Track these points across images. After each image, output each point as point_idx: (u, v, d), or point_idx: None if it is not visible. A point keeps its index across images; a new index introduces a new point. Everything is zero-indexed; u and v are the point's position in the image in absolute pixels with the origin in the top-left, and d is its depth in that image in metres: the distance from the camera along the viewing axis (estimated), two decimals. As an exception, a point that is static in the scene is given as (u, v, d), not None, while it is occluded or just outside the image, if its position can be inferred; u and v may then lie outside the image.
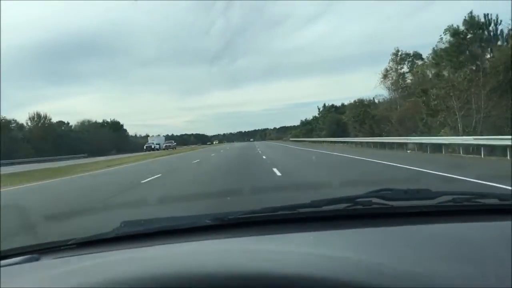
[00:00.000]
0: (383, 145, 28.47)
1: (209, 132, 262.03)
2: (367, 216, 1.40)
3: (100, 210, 6.64)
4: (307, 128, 78.00)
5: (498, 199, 1.45)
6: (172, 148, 70.18)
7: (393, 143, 26.28)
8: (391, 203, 1.40)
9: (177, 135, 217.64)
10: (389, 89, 45.19)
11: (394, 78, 44.26)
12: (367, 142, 32.62)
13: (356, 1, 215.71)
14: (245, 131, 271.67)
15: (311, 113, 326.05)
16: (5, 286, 0.93)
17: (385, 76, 44.67)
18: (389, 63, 43.62)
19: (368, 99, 53.95)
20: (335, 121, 48.00)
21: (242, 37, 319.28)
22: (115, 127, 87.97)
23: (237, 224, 1.36)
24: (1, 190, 11.72)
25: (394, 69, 44.46)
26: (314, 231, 1.26)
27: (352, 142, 36.64)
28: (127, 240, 1.29)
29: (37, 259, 1.19)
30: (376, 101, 46.31)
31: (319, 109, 69.78)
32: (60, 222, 5.10)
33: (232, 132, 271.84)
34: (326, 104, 68.20)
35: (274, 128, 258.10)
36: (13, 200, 9.73)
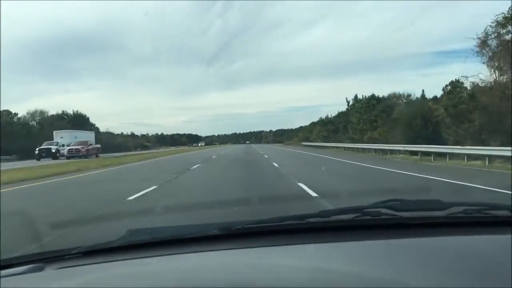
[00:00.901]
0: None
1: (204, 133, 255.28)
2: (375, 227, 1.37)
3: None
4: (329, 129, 56.82)
5: (510, 211, 1.40)
6: (84, 156, 34.61)
7: None
8: (400, 213, 1.37)
9: (167, 134, 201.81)
10: (491, 67, 25.49)
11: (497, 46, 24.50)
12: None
13: (354, 7, 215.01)
14: (240, 133, 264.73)
15: (307, 117, 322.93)
16: None
17: (483, 43, 24.96)
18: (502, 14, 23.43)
19: (405, 93, 35.03)
20: (419, 115, 24.66)
21: (239, 39, 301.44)
22: (78, 121, 67.45)
23: (244, 233, 1.33)
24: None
25: (497, 34, 24.68)
26: (323, 241, 1.25)
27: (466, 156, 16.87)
28: (133, 249, 1.26)
29: (41, 269, 1.16)
30: (468, 84, 26.54)
31: (348, 102, 49.25)
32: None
33: (227, 133, 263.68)
34: (356, 98, 47.97)
35: (271, 131, 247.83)
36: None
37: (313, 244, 1.23)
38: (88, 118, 71.90)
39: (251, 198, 7.29)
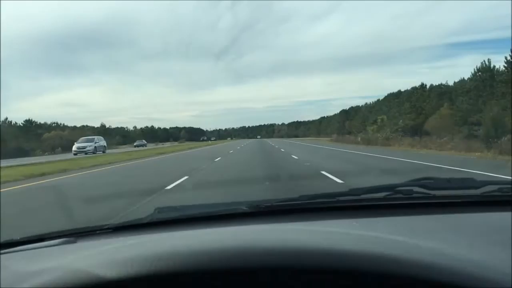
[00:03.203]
0: None
1: (212, 127, 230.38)
2: (407, 206, 1.30)
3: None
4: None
5: None
6: None
7: None
8: (434, 192, 1.30)
9: (159, 128, 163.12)
10: None
11: None
12: None
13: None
14: (249, 126, 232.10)
15: (318, 111, 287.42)
16: (45, 265, 0.93)
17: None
18: None
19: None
20: None
21: (249, 33, 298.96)
22: None
23: (274, 211, 1.27)
24: None
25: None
26: (354, 218, 1.18)
27: None
28: (162, 226, 1.23)
29: (74, 242, 1.16)
30: None
31: None
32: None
33: (235, 127, 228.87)
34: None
35: (283, 124, 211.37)
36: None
37: (345, 219, 1.17)
38: None
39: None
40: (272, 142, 61.08)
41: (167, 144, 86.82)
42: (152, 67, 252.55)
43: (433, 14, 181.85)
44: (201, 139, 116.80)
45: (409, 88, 76.27)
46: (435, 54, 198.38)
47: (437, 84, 66.57)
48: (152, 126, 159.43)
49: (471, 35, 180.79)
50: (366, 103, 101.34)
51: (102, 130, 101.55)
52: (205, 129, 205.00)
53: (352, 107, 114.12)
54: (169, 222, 1.23)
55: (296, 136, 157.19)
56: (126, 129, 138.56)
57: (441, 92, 62.79)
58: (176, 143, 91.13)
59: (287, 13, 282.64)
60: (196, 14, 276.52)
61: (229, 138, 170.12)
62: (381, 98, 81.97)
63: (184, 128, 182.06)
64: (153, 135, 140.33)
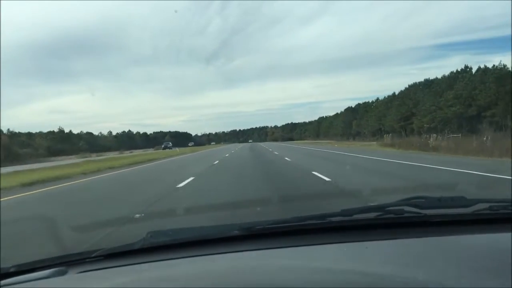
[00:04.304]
0: None
1: (201, 131, 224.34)
2: (399, 225, 1.29)
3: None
4: None
5: None
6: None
7: None
8: (425, 211, 1.30)
9: (138, 133, 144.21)
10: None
11: None
12: None
13: (353, 1, 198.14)
14: (239, 130, 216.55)
15: (308, 114, 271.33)
16: None
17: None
18: None
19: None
20: None
21: (239, 36, 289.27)
22: None
23: (266, 234, 1.27)
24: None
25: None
26: (345, 241, 1.19)
27: None
28: (154, 251, 1.21)
29: (64, 273, 1.13)
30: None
31: None
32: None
33: (225, 131, 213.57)
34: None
35: (276, 127, 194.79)
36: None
37: (336, 244, 1.17)
38: None
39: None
40: (274, 149, 41.66)
41: (138, 151, 68.15)
42: (142, 72, 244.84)
43: (421, 15, 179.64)
44: (162, 146, 77.12)
45: (439, 77, 59.97)
46: (423, 55, 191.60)
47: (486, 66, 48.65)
48: (129, 130, 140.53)
49: (458, 36, 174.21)
50: (377, 99, 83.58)
51: (59, 137, 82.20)
52: (193, 134, 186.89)
53: (359, 104, 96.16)
54: (160, 247, 1.20)
55: (291, 139, 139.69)
56: (99, 134, 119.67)
57: (501, 75, 44.96)
58: (151, 150, 72.30)
59: (276, 16, 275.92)
60: (186, 18, 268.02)
61: (213, 143, 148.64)
62: (376, 97, 68.38)
63: (169, 132, 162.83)
64: (129, 141, 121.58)
